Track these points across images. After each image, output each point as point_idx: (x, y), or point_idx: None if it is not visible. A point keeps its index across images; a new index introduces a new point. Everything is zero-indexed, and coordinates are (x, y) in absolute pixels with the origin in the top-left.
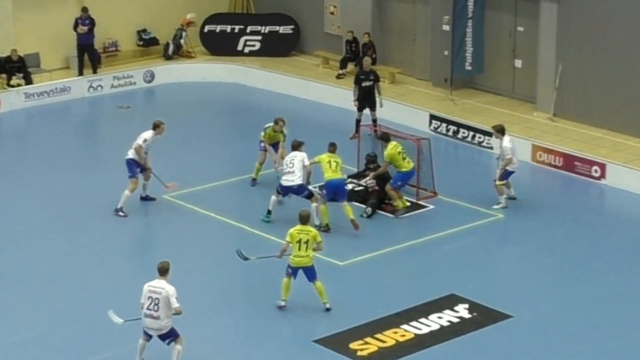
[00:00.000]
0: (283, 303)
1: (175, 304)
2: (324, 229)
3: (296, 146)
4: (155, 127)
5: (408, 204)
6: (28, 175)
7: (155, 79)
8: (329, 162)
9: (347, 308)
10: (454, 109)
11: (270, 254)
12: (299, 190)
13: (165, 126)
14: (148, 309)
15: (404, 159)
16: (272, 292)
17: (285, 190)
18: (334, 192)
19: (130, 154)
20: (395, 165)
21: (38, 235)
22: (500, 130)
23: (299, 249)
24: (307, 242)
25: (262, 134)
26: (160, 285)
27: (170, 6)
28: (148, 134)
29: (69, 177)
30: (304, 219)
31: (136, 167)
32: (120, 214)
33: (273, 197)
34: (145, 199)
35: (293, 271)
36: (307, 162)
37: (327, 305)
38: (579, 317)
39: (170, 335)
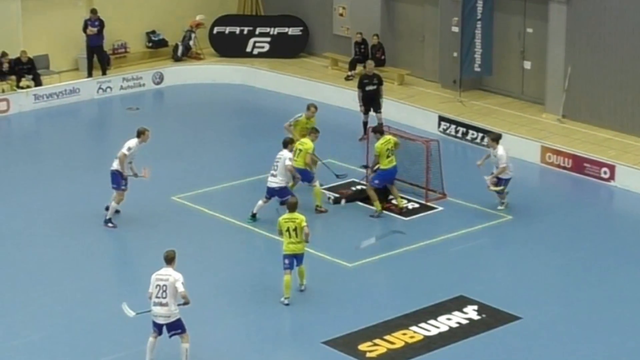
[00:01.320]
0: (287, 301)
1: (180, 288)
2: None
3: (287, 143)
4: (140, 134)
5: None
6: (37, 176)
7: (165, 80)
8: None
9: (356, 309)
10: (463, 111)
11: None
12: (281, 193)
13: (150, 132)
14: (157, 297)
15: (387, 156)
16: (279, 293)
17: (268, 192)
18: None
19: (115, 165)
20: (378, 161)
21: (46, 236)
22: (496, 139)
23: (290, 237)
24: (295, 229)
25: (290, 124)
26: (167, 273)
27: (180, 8)
28: (132, 142)
29: (78, 178)
30: (292, 207)
31: (121, 178)
32: (110, 224)
33: (260, 202)
34: (107, 209)
35: (290, 261)
36: (288, 163)
37: (303, 287)
38: (588, 318)
39: (178, 327)
